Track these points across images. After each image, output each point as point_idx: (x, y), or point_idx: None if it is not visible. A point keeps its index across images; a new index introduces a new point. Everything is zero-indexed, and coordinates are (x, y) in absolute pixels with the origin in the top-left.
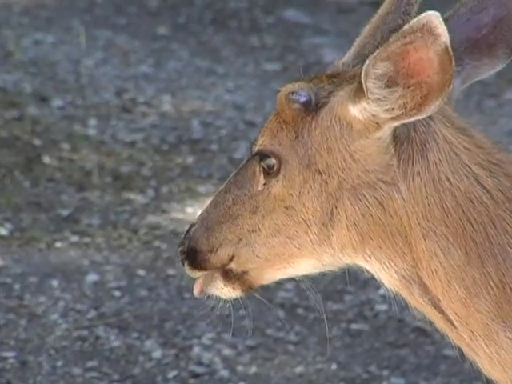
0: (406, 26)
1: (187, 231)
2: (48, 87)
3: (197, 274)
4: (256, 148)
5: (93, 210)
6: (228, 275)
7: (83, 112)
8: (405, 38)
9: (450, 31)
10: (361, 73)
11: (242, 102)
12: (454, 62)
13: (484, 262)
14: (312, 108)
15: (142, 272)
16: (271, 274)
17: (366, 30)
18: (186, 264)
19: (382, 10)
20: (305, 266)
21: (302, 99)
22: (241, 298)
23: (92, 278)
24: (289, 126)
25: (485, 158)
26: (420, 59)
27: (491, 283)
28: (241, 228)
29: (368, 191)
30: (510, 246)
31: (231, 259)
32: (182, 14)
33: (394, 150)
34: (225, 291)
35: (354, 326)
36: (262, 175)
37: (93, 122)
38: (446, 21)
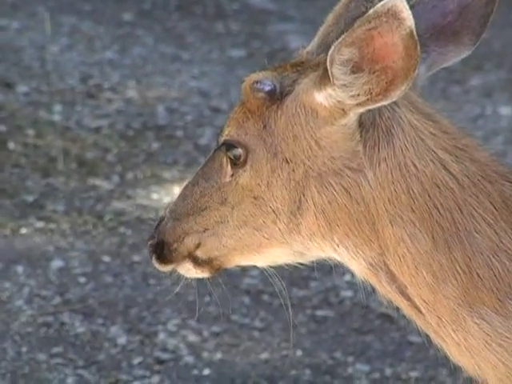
0: (371, 11)
1: (157, 226)
2: (13, 73)
3: (164, 267)
4: (222, 139)
5: (58, 196)
6: (196, 261)
7: (48, 98)
8: (369, 22)
9: (415, 17)
10: (326, 60)
11: (208, 89)
12: (419, 47)
13: (451, 248)
14: (277, 97)
15: (107, 258)
16: (239, 261)
17: (330, 18)
18: (153, 258)
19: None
20: (275, 253)
21: (267, 88)
22: (206, 283)
23: (57, 264)
24: (254, 116)
25: (450, 144)
26: (385, 44)
27: (458, 269)
28: (207, 219)
29: (334, 179)
30: (476, 231)
31: (197, 247)
32: (146, 1)
33: (360, 137)
34: (192, 272)
35: (319, 313)
36: (229, 166)
37: (58, 108)
38: (411, 7)
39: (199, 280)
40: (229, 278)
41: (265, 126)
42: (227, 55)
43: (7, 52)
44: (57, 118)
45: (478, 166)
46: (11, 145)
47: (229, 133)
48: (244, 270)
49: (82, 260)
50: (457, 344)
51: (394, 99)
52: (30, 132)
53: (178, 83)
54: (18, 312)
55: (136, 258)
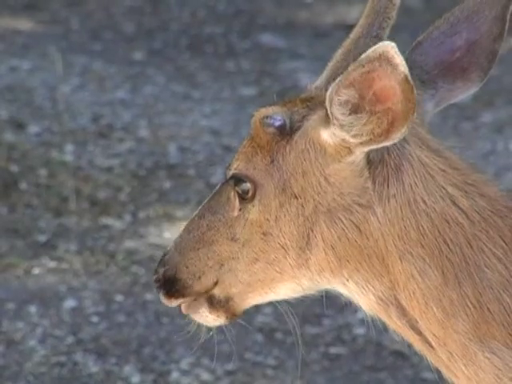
0: (363, 56)
1: (161, 259)
2: (25, 113)
3: (173, 302)
4: (230, 172)
5: (70, 236)
6: (212, 302)
7: (60, 138)
8: (363, 67)
9: (424, 54)
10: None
11: (219, 127)
12: (415, 91)
13: (461, 283)
14: (287, 132)
15: (119, 297)
16: (253, 299)
17: (338, 54)
18: (161, 293)
19: (353, 34)
20: (285, 290)
21: (277, 123)
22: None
23: (70, 303)
24: (263, 151)
25: (460, 179)
26: (384, 87)
27: (468, 303)
28: (219, 254)
29: (344, 214)
30: (486, 266)
31: (215, 284)
32: (157, 40)
33: (369, 173)
34: (209, 319)
35: (332, 350)
36: (237, 200)
37: (70, 147)
38: (419, 44)
39: None
40: (242, 317)
41: (272, 161)
42: (238, 93)
43: (19, 92)
44: (69, 157)
45: (487, 201)
46: (23, 185)
47: (237, 167)
48: (257, 307)
49: (94, 299)
50: (468, 379)
51: (395, 141)
52: (42, 172)
53: (190, 122)
54: (31, 352)
55: (149, 296)
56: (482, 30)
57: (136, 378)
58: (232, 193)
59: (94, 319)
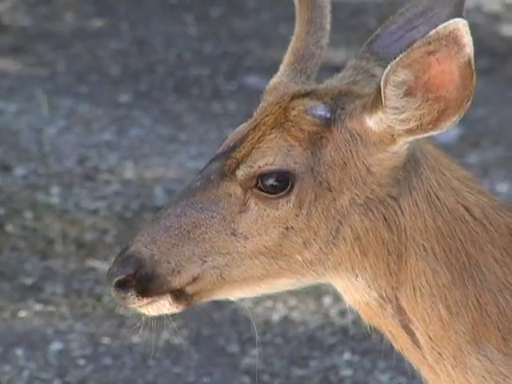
0: (432, 32)
1: (125, 260)
2: (10, 156)
3: (144, 301)
4: (262, 168)
5: (56, 279)
6: (178, 296)
7: (46, 180)
8: (429, 44)
9: (385, 47)
10: (377, 84)
11: None
12: (475, 78)
13: (465, 283)
14: (328, 123)
15: (106, 340)
16: (225, 295)
17: (297, 47)
18: (131, 292)
19: (304, 28)
20: (279, 285)
21: (327, 114)
22: (206, 364)
23: (56, 346)
24: (303, 143)
25: (461, 175)
26: (441, 72)
27: (470, 304)
28: (208, 251)
29: (377, 206)
30: (485, 267)
31: (194, 280)
32: (143, 82)
33: (403, 164)
34: (165, 310)
35: None
36: (247, 196)
37: (56, 190)
38: (377, 37)
39: (199, 360)
40: (228, 358)
41: (312, 154)
42: (225, 135)
43: (5, 135)
44: (55, 200)
45: (486, 198)
46: (9, 228)
47: (273, 162)
48: (244, 349)
49: (81, 342)
50: (451, 380)
51: (444, 130)
52: (28, 215)
53: (176, 164)
54: None
55: (135, 339)
56: (439, 24)
57: None
58: (238, 189)
59: (81, 362)
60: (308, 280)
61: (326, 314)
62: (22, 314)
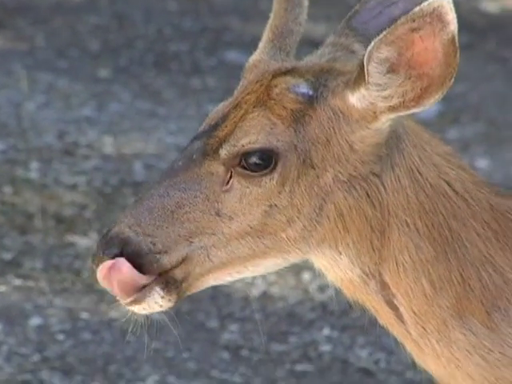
0: (417, 9)
1: (109, 241)
2: None
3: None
4: (245, 147)
5: (36, 254)
6: (168, 284)
7: (25, 155)
8: (413, 21)
9: (364, 23)
10: (360, 61)
11: (185, 144)
12: (458, 55)
13: (448, 257)
14: (310, 101)
15: (85, 315)
16: (214, 280)
17: (275, 25)
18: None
19: (283, 5)
20: (265, 266)
21: (310, 92)
22: (185, 339)
23: (35, 321)
24: (286, 121)
25: (442, 150)
26: (425, 49)
27: (454, 279)
28: (192, 231)
29: (360, 183)
30: (468, 241)
31: (183, 260)
32: (123, 57)
33: (385, 141)
34: (158, 304)
35: (298, 367)
36: (229, 174)
37: (35, 165)
38: (356, 13)
39: (178, 336)
40: (208, 334)
41: (295, 131)
42: (204, 111)
43: None
44: (34, 175)
45: (467, 173)
46: None
47: (255, 141)
48: (223, 325)
49: (60, 317)
50: (435, 354)
51: (426, 107)
52: (7, 190)
53: (155, 139)
54: None
55: (114, 314)
56: (418, 1)
57: None
58: (221, 168)
59: (60, 337)
60: (293, 259)
61: (305, 290)
62: (1, 288)
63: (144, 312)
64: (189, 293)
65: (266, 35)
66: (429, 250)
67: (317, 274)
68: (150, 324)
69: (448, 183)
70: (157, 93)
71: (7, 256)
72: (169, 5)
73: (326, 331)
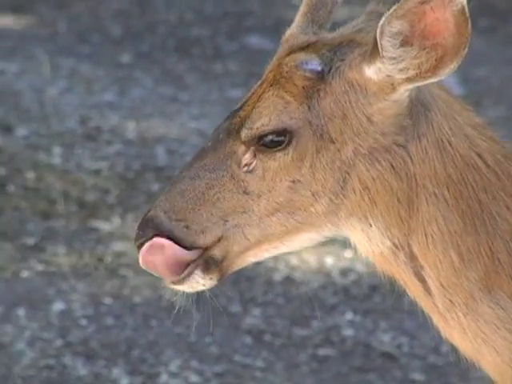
0: None
1: (145, 223)
2: (12, 116)
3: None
4: (259, 130)
5: (58, 239)
6: (209, 263)
7: (47, 141)
8: None
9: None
10: (374, 34)
11: (207, 129)
12: (469, 25)
13: (477, 230)
14: (323, 76)
15: (108, 300)
16: (254, 256)
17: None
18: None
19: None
20: (300, 241)
21: (318, 68)
22: (207, 324)
23: (58, 306)
24: (298, 98)
25: (473, 121)
26: (436, 20)
27: (483, 252)
28: (224, 211)
29: (383, 155)
30: (498, 215)
31: (218, 241)
32: (145, 42)
33: (408, 111)
34: (200, 283)
35: (320, 352)
36: (248, 153)
37: (57, 150)
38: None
39: (200, 320)
40: (230, 319)
41: (309, 108)
42: (226, 95)
43: (6, 95)
44: (56, 160)
45: (497, 145)
46: (11, 188)
47: (268, 123)
48: (245, 310)
49: (83, 302)
50: (462, 328)
51: (442, 77)
52: (30, 175)
53: (177, 124)
54: (19, 355)
55: (137, 299)
56: None
57: (125, 381)
58: (241, 147)
59: (83, 322)
60: (326, 232)
61: (327, 274)
62: (24, 274)
63: (189, 290)
64: (231, 270)
65: (301, 8)
66: (457, 221)
67: (339, 259)
68: (172, 309)
69: (479, 155)
70: (179, 78)
71: (30, 241)
72: None
73: (349, 316)
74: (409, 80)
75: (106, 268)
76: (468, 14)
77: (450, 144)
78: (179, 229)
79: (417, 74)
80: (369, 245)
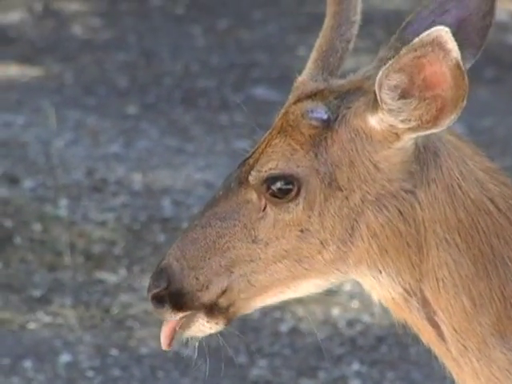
0: (417, 40)
1: (159, 274)
2: (18, 168)
3: (179, 315)
4: (266, 173)
5: (65, 291)
6: (212, 311)
7: (54, 193)
8: (415, 51)
9: (415, 34)
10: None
11: (213, 180)
12: (466, 78)
13: (489, 275)
14: (329, 124)
15: (114, 351)
16: (261, 302)
17: (321, 44)
18: (166, 307)
19: (330, 23)
20: (307, 287)
21: (324, 116)
22: (214, 374)
23: (65, 358)
24: (305, 146)
25: (484, 166)
26: (435, 72)
27: (494, 296)
28: (233, 260)
29: (391, 201)
30: (509, 259)
31: (223, 293)
32: (150, 94)
33: (414, 157)
34: (207, 328)
35: None
36: (263, 201)
37: (64, 202)
38: (409, 24)
39: (207, 371)
40: (237, 370)
41: (316, 156)
42: (232, 147)
43: (13, 147)
44: (63, 212)
45: (510, 190)
46: (18, 240)
47: (275, 167)
48: (252, 361)
49: (89, 354)
50: (475, 373)
51: (443, 127)
52: (37, 227)
53: (183, 175)
54: None
55: (144, 350)
56: (471, 6)
57: None
58: (254, 195)
59: (90, 374)
60: (335, 279)
61: (334, 325)
62: (31, 325)
63: (198, 335)
64: (239, 315)
65: (312, 55)
66: (469, 266)
67: (346, 309)
68: (179, 360)
69: (491, 200)
70: (185, 129)
71: (36, 293)
72: (196, 41)
73: (355, 366)
74: (412, 130)
75: (113, 319)
76: (463, 68)
77: (461, 188)
78: (189, 280)
79: (418, 124)
80: (380, 290)
